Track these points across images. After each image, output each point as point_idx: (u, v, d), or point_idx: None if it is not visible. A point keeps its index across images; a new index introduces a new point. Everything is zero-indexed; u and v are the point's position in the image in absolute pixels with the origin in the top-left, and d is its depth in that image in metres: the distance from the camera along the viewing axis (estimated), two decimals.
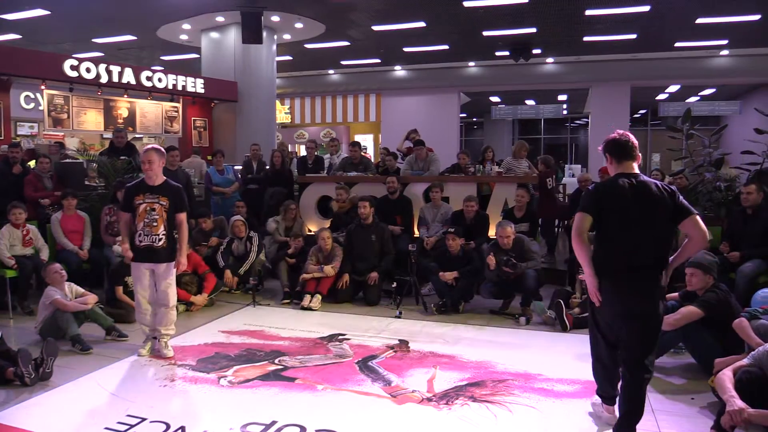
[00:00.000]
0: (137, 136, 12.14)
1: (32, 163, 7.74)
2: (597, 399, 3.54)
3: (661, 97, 19.98)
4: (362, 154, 8.86)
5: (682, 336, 4.20)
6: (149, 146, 4.93)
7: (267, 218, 7.83)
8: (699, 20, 11.75)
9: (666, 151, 12.46)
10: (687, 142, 8.30)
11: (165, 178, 4.79)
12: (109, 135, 12.15)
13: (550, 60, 16.78)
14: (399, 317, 5.91)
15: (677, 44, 14.25)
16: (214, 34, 12.52)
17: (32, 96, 15.18)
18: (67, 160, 8.58)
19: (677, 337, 4.23)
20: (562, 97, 21.38)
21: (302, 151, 14.22)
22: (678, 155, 8.76)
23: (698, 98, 20.32)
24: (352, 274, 6.57)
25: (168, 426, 3.43)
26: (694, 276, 4.26)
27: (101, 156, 8.21)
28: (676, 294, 4.56)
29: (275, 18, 11.85)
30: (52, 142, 11.00)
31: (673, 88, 18.72)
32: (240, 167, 9.21)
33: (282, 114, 18.76)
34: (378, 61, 17.10)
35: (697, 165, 7.70)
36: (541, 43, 14.25)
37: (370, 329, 5.49)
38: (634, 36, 13.30)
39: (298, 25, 12.44)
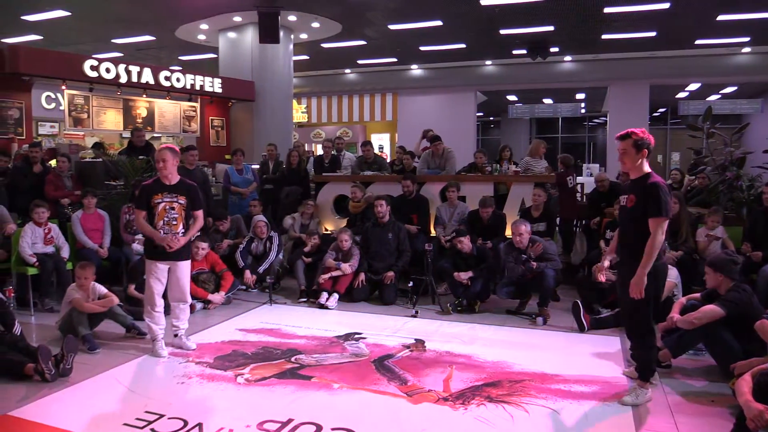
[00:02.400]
0: (156, 135, 12.24)
1: (53, 163, 7.84)
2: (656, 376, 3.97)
3: (681, 95, 19.72)
4: (376, 153, 8.85)
5: (703, 336, 4.14)
6: (163, 146, 4.97)
7: (283, 217, 7.86)
8: (720, 17, 11.58)
9: (686, 150, 12.31)
10: (707, 141, 8.19)
11: (179, 176, 4.83)
12: (128, 134, 12.31)
13: (567, 58, 16.65)
14: (415, 316, 5.90)
15: (698, 42, 14.06)
16: (232, 34, 12.60)
17: (53, 96, 15.37)
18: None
19: (697, 337, 4.18)
20: (580, 96, 21.19)
21: (319, 150, 14.27)
22: (698, 154, 8.64)
23: (719, 96, 20.03)
24: (369, 273, 6.57)
25: (185, 423, 3.46)
26: (707, 274, 4.24)
27: (120, 155, 8.30)
28: (697, 294, 4.50)
29: (292, 18, 11.89)
30: (71, 141, 11.14)
31: (694, 86, 18.47)
32: (257, 166, 9.25)
33: (299, 113, 18.84)
34: (394, 60, 17.09)
35: (718, 164, 7.59)
36: (559, 41, 14.14)
37: (386, 328, 5.49)
38: (653, 33, 13.15)
39: (315, 25, 12.47)
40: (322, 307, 6.24)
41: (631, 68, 16.12)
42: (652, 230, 3.46)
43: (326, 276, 6.46)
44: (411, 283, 6.34)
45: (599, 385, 4.03)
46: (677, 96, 19.63)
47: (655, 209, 3.47)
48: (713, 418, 3.54)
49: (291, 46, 12.91)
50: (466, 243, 6.18)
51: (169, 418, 3.52)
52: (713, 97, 19.90)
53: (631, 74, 16.23)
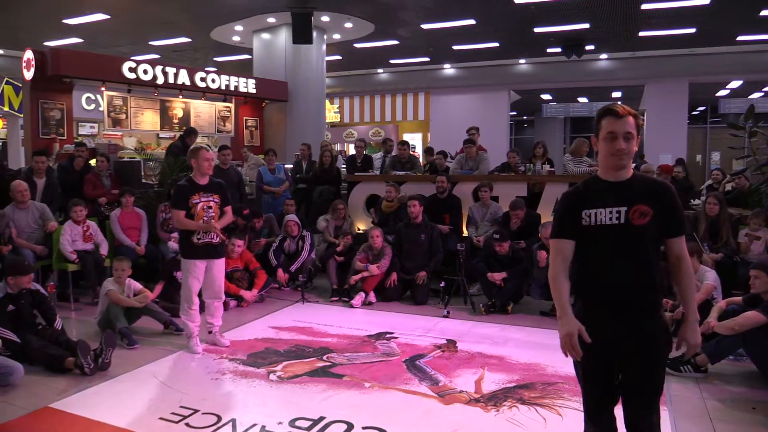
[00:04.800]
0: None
1: (93, 162, 8.05)
2: None
3: (722, 93, 19.21)
4: (410, 153, 8.85)
5: (743, 342, 4.02)
6: (205, 146, 5.07)
7: (316, 216, 7.91)
8: (763, 12, 11.23)
9: (726, 149, 11.99)
10: (749, 140, 7.96)
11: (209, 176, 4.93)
12: (164, 135, 12.56)
13: (603, 56, 16.37)
14: (447, 317, 5.88)
15: (739, 38, 13.66)
16: (266, 35, 12.73)
17: (93, 97, 15.77)
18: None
19: (737, 342, 4.06)
20: (616, 94, 20.82)
21: (351, 150, 14.32)
22: (739, 154, 8.41)
23: (761, 94, 19.44)
24: (401, 273, 6.57)
25: (219, 418, 3.51)
26: (758, 278, 4.08)
27: (169, 152, 8.42)
28: (739, 298, 4.37)
29: (325, 18, 11.96)
30: (110, 142, 11.40)
31: (735, 84, 17.97)
32: (290, 166, 9.33)
33: (331, 113, 18.93)
34: (427, 59, 17.04)
35: (761, 164, 7.37)
36: (595, 38, 13.90)
37: (417, 328, 5.48)
38: (692, 30, 12.83)
39: (348, 25, 12.52)
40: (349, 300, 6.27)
41: (670, 66, 15.76)
42: (684, 254, 2.30)
43: (357, 277, 6.49)
44: (443, 284, 6.31)
45: None
46: (717, 94, 19.13)
47: (682, 223, 2.33)
48: (755, 427, 3.43)
49: (324, 47, 12.98)
50: (504, 246, 6.13)
51: (203, 414, 3.57)
52: (755, 95, 19.33)
53: (669, 72, 15.87)
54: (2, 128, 17.61)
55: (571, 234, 2.32)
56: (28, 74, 8.88)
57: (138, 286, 5.36)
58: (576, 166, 7.85)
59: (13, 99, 15.59)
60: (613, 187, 2.29)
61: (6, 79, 15.46)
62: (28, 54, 8.85)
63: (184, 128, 9.49)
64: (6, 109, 15.78)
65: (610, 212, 2.26)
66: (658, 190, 2.29)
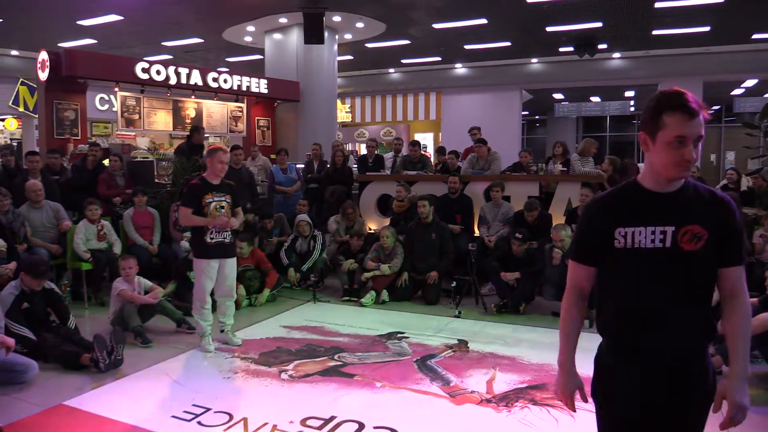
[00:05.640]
0: (205, 135, 12.51)
1: (106, 162, 8.11)
2: None
3: (737, 92, 19.02)
4: (422, 152, 8.85)
5: (759, 343, 3.98)
6: (216, 146, 5.09)
7: (327, 215, 7.92)
8: None
9: (741, 149, 11.87)
10: (765, 139, 7.88)
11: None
12: (177, 134, 12.63)
13: (616, 55, 16.27)
14: (458, 317, 5.86)
15: (754, 36, 13.52)
16: (277, 35, 12.77)
17: (106, 98, 15.94)
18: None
19: (753, 344, 4.01)
20: (629, 94, 20.68)
21: (363, 150, 14.32)
22: (755, 153, 8.33)
23: None
24: (412, 273, 6.56)
25: (231, 417, 3.53)
26: None
27: (178, 151, 8.49)
28: (755, 299, 4.33)
29: (336, 18, 11.98)
30: (123, 142, 11.50)
31: (750, 83, 17.79)
32: (302, 166, 9.35)
33: (343, 113, 18.96)
34: (438, 59, 17.02)
35: None
36: (607, 37, 13.82)
37: (428, 328, 5.47)
38: (707, 28, 12.71)
39: (359, 25, 12.53)
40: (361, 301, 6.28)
41: (684, 65, 15.63)
42: (740, 289, 1.79)
43: (369, 275, 6.49)
44: (454, 284, 6.30)
45: None
46: (732, 93, 18.95)
47: (741, 249, 1.80)
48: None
49: (335, 47, 13.01)
50: (520, 249, 6.12)
51: (215, 412, 3.59)
52: None
53: (683, 71, 15.73)
54: (17, 129, 17.81)
55: (594, 258, 1.84)
56: (43, 75, 8.97)
57: (148, 283, 5.41)
58: (583, 167, 7.81)
59: (28, 100, 15.77)
60: (658, 200, 1.76)
61: (21, 80, 15.65)
62: (43, 55, 8.94)
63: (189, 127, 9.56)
64: (21, 109, 15.98)
65: (653, 232, 1.73)
66: (716, 206, 1.75)
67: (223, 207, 4.80)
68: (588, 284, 1.90)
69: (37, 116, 11.43)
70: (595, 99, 21.42)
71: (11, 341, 3.75)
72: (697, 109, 1.70)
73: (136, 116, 10.35)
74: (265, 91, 11.96)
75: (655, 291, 1.75)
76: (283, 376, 4.25)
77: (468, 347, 4.91)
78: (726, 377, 1.81)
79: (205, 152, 5.68)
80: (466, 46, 14.99)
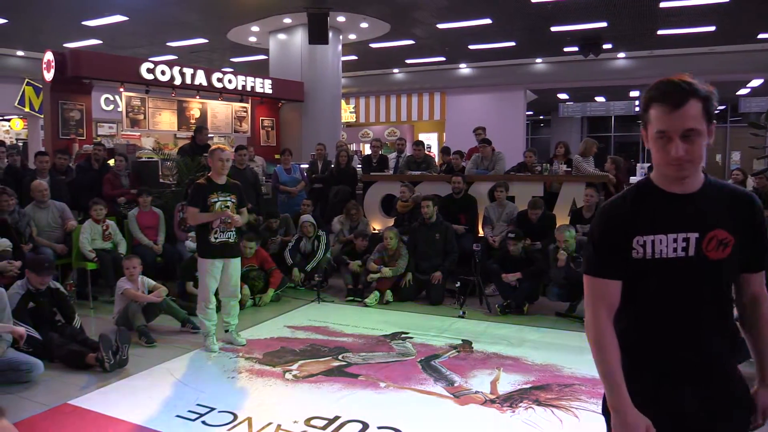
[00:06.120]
0: (208, 135, 12.53)
1: (111, 162, 8.14)
2: None
3: (743, 92, 18.94)
4: (426, 152, 8.84)
5: None
6: (219, 146, 5.10)
7: (331, 215, 7.93)
8: None
9: (747, 149, 11.83)
10: None
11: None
12: (182, 135, 12.65)
13: (621, 55, 16.22)
14: (462, 317, 5.86)
15: (760, 36, 13.47)
16: (282, 36, 12.78)
17: (111, 98, 16.00)
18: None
19: None
20: (634, 93, 20.61)
21: (367, 150, 14.32)
22: (760, 153, 8.30)
23: None
24: (416, 273, 6.56)
25: (235, 416, 3.53)
26: None
27: (181, 151, 8.51)
28: None
29: (341, 18, 11.98)
30: (128, 142, 11.53)
31: (756, 83, 17.69)
32: (306, 166, 9.36)
33: (347, 113, 18.97)
34: (443, 59, 17.00)
35: None
36: (612, 37, 13.78)
37: (432, 328, 5.47)
38: (712, 28, 12.66)
39: (364, 25, 12.53)
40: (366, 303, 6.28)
41: (689, 64, 15.55)
42: (763, 294, 1.67)
43: (375, 276, 6.50)
44: (458, 284, 6.30)
45: None
46: (738, 93, 18.87)
47: (765, 252, 1.65)
48: None
49: (340, 47, 13.01)
50: (516, 247, 6.12)
51: (219, 412, 3.60)
52: None
53: (688, 71, 14.82)
54: (23, 129, 17.89)
55: (619, 271, 1.62)
56: (48, 75, 8.99)
57: (152, 282, 5.43)
58: (585, 167, 7.79)
59: (34, 100, 15.86)
60: (677, 202, 1.58)
61: (27, 80, 15.73)
62: (49, 55, 8.97)
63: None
64: (27, 110, 16.06)
65: (675, 240, 1.55)
66: (740, 205, 1.58)
67: (227, 207, 4.81)
68: (616, 300, 1.65)
69: (42, 116, 11.49)
70: (600, 99, 21.35)
71: (23, 330, 3.77)
72: (679, 98, 1.50)
73: (141, 116, 10.37)
74: (270, 91, 11.98)
75: (681, 305, 1.58)
76: (288, 376, 4.25)
77: (472, 347, 4.91)
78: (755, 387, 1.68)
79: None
80: (471, 46, 14.97)
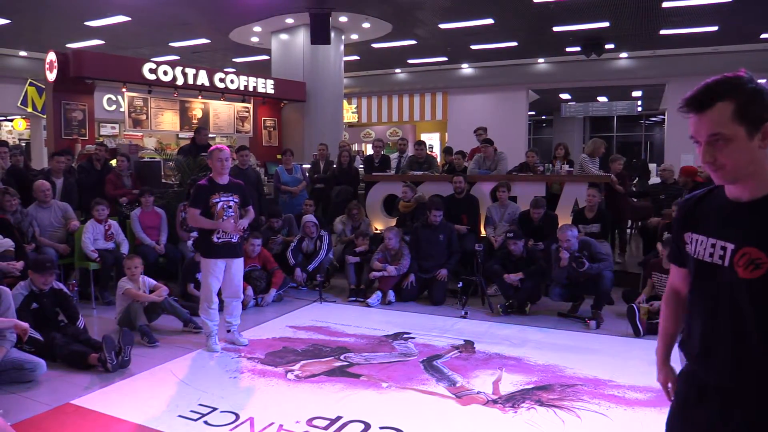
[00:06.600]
0: (210, 135, 12.55)
1: (113, 162, 8.15)
2: None
3: None
4: (428, 152, 8.84)
5: None
6: (222, 146, 5.11)
7: (333, 215, 7.93)
8: None
9: None
10: None
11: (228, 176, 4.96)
12: (184, 135, 12.69)
13: (623, 55, 16.21)
14: (464, 317, 5.86)
15: (763, 36, 13.45)
16: (284, 36, 12.79)
17: (114, 98, 16.01)
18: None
19: None
20: (637, 94, 20.59)
21: (369, 150, 14.32)
22: None
23: None
24: (418, 273, 6.56)
25: (237, 416, 3.53)
26: None
27: (181, 152, 8.51)
28: None
29: (343, 18, 11.99)
30: (131, 142, 11.54)
31: (759, 83, 17.68)
32: (308, 166, 9.36)
33: (349, 113, 18.96)
34: (445, 59, 17.01)
35: None
36: (615, 37, 13.77)
37: (435, 328, 5.47)
38: (715, 28, 12.65)
39: (366, 25, 12.53)
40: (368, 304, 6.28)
41: (692, 64, 15.54)
42: None
43: (378, 275, 6.49)
44: (460, 284, 6.30)
45: (655, 392, 3.90)
46: None
47: None
48: None
49: (342, 47, 13.01)
50: (518, 245, 6.11)
51: (221, 412, 3.60)
52: None
53: (691, 70, 15.62)
54: (26, 129, 17.93)
55: (679, 259, 1.68)
56: (51, 76, 9.02)
57: (153, 282, 5.43)
58: (591, 167, 7.79)
59: (36, 100, 15.90)
60: (728, 209, 1.49)
61: (29, 80, 15.77)
62: (51, 56, 8.99)
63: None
64: (29, 110, 16.10)
65: (713, 246, 1.49)
66: None
67: (230, 207, 4.81)
68: (682, 286, 1.69)
69: (45, 117, 11.50)
70: (602, 99, 21.34)
71: (25, 325, 3.76)
72: (701, 101, 1.43)
73: (144, 117, 10.39)
74: (272, 91, 11.99)
75: (710, 313, 1.50)
76: (289, 376, 4.25)
77: (474, 348, 4.91)
78: None
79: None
80: (473, 46, 14.97)
